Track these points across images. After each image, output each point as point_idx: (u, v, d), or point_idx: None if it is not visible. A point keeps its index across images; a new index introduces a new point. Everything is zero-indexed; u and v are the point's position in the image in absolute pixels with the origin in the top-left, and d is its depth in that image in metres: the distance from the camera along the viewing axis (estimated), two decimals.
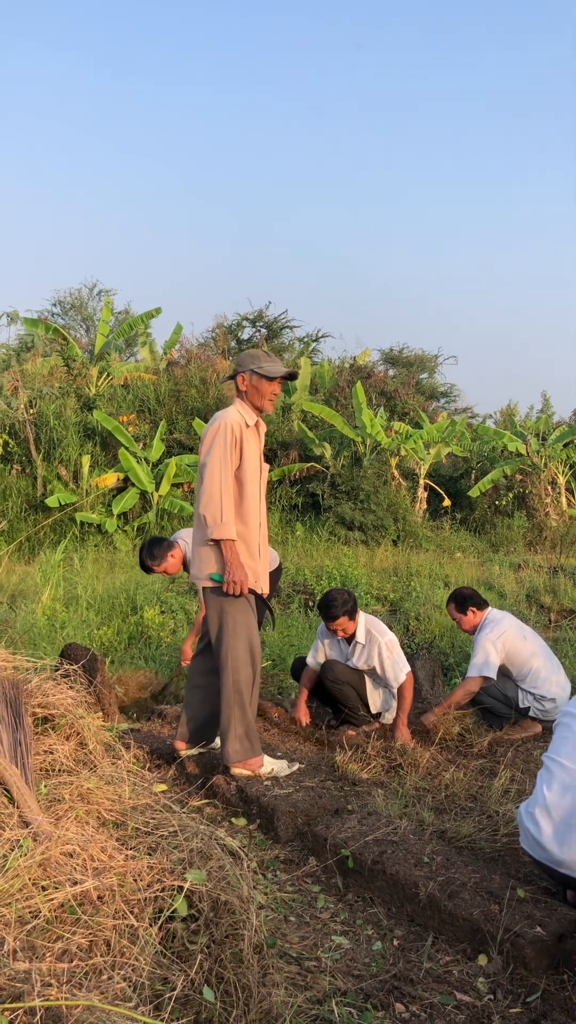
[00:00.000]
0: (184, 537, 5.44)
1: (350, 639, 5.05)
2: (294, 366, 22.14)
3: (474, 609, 5.19)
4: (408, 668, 4.96)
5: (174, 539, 5.54)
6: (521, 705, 5.06)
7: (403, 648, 5.18)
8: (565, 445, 19.24)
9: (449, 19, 79.86)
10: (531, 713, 5.07)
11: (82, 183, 73.99)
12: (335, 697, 5.11)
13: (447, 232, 72.87)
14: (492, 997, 2.58)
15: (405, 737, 4.78)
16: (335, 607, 4.89)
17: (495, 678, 4.95)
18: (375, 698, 5.12)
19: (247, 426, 4.23)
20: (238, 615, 4.15)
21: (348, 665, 5.06)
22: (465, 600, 5.22)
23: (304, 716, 5.21)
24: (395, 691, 4.98)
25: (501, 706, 5.09)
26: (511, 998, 2.58)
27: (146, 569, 5.44)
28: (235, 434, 4.15)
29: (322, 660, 5.15)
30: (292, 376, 4.34)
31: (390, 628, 5.19)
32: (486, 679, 4.93)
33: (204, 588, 4.22)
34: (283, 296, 75.11)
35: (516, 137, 79.69)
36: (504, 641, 4.99)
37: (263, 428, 4.40)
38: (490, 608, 5.26)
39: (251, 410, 4.29)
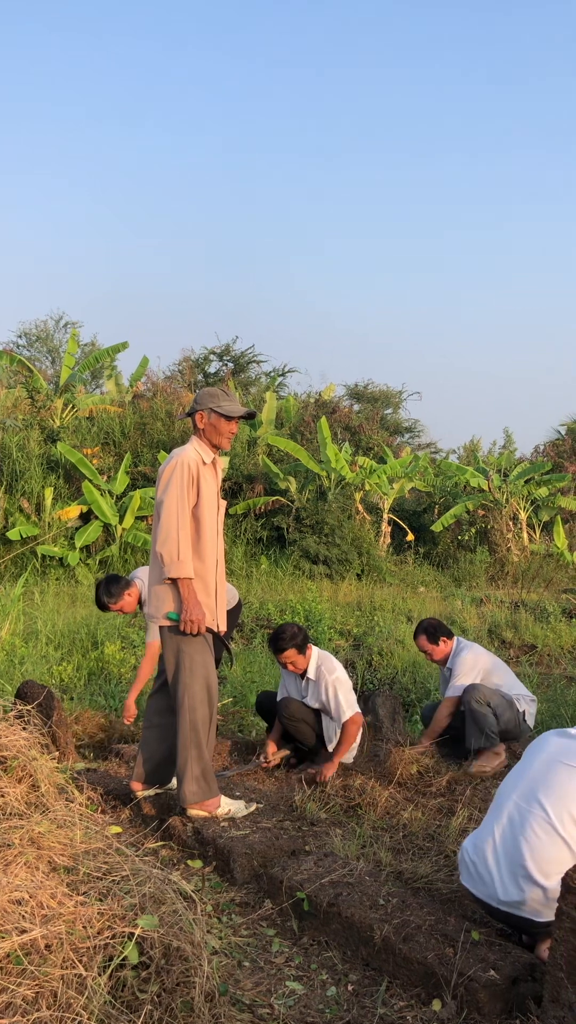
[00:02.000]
0: (141, 576, 5.41)
1: (303, 675, 5.04)
2: (260, 400, 22.26)
3: (444, 639, 5.38)
4: (356, 710, 4.94)
5: (131, 577, 5.51)
6: (520, 708, 5.21)
7: (365, 684, 5.18)
8: (527, 481, 19.52)
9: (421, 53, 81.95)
10: (525, 718, 5.22)
11: (49, 214, 74.30)
12: (291, 735, 5.09)
13: (412, 269, 74.13)
14: None
15: (327, 773, 4.74)
16: (283, 640, 4.90)
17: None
18: (332, 736, 5.10)
19: (204, 463, 4.24)
20: (195, 655, 4.13)
21: (303, 702, 5.05)
22: (436, 631, 5.39)
23: (271, 748, 5.12)
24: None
25: (493, 723, 5.12)
26: None
27: (102, 607, 5.40)
28: (192, 472, 4.15)
29: (280, 699, 5.14)
30: (250, 416, 4.37)
31: (353, 664, 5.20)
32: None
33: (161, 627, 4.20)
34: (250, 331, 75.72)
35: (482, 173, 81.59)
36: (478, 661, 5.27)
37: (220, 465, 4.42)
38: (456, 637, 5.48)
39: (208, 448, 4.30)
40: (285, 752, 5.18)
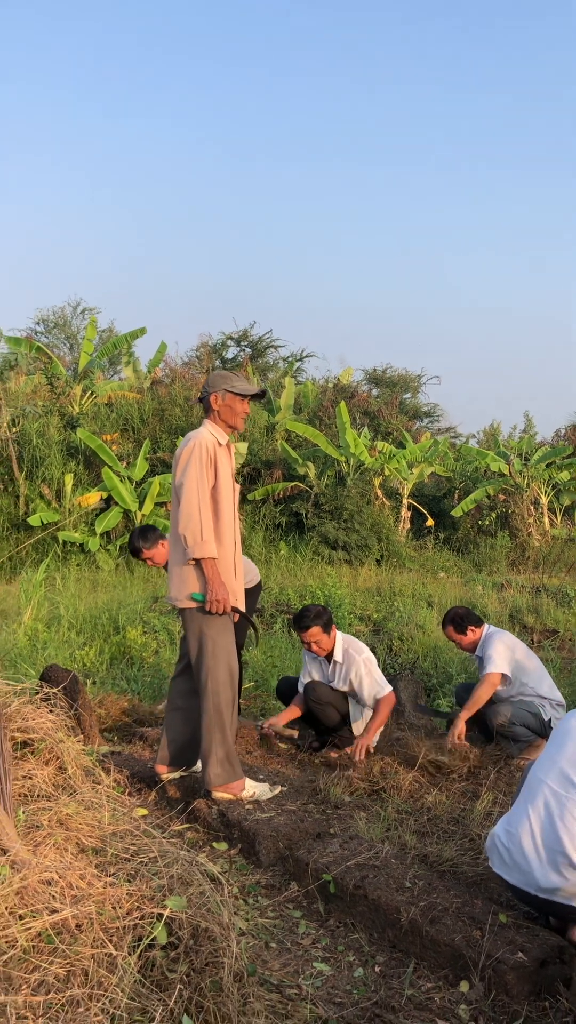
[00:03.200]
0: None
1: (329, 658, 5.04)
2: (278, 385, 22.21)
3: (472, 627, 5.32)
4: (389, 688, 4.96)
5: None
6: (545, 718, 5.13)
7: (386, 669, 5.18)
8: (548, 465, 19.38)
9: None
10: (551, 725, 5.14)
11: (67, 200, 74.28)
12: (318, 718, 5.09)
13: (431, 252, 73.53)
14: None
15: (365, 742, 4.76)
16: (307, 618, 4.91)
17: (511, 675, 5.11)
18: (359, 719, 5.10)
19: (220, 445, 4.26)
20: (218, 637, 4.14)
21: (331, 687, 5.05)
22: (463, 620, 5.33)
23: (274, 724, 5.17)
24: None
25: (527, 732, 5.10)
26: None
27: (135, 552, 5.41)
28: (209, 453, 4.17)
29: (306, 682, 5.14)
30: (262, 394, 4.42)
31: (373, 648, 5.19)
32: (504, 676, 5.09)
33: (183, 609, 4.20)
34: (268, 316, 75.42)
35: (505, 155, 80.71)
36: (513, 646, 5.21)
37: (233, 448, 4.44)
38: (486, 624, 5.40)
39: (222, 429, 4.33)
40: (292, 732, 5.20)
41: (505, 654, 5.15)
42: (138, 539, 5.38)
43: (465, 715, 5.12)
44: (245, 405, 4.34)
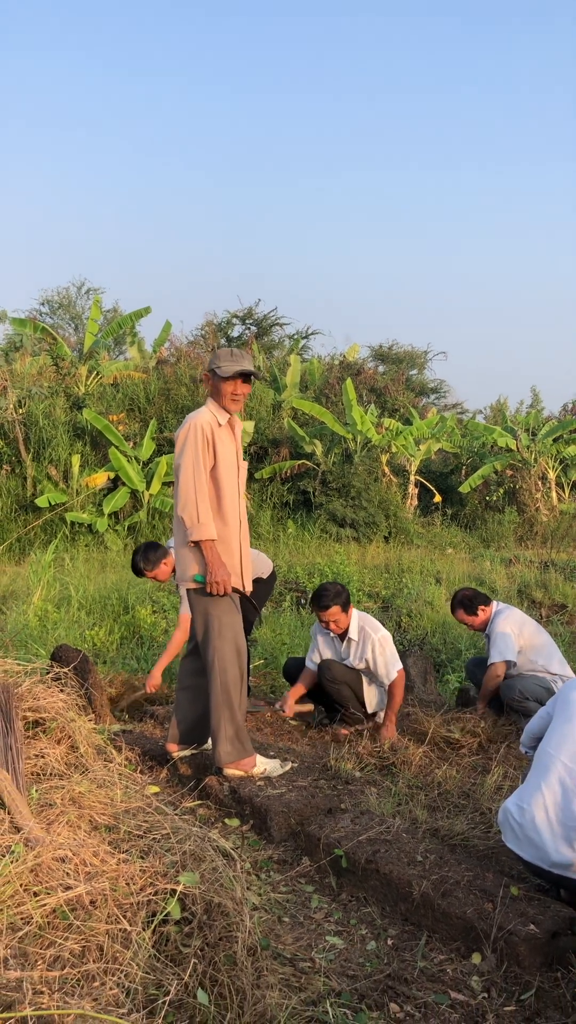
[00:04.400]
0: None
1: (343, 636, 5.04)
2: (284, 363, 22.11)
3: (482, 607, 5.34)
4: (400, 665, 4.97)
5: (168, 546, 5.52)
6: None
7: (395, 645, 5.18)
8: (555, 440, 19.30)
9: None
10: None
11: (70, 181, 73.77)
12: (332, 697, 5.09)
13: (436, 228, 72.89)
14: (486, 995, 2.58)
15: (391, 735, 4.78)
16: (327, 597, 4.90)
17: (516, 661, 5.14)
18: (371, 697, 5.11)
19: (219, 425, 4.20)
20: (223, 616, 4.14)
21: (345, 664, 5.05)
22: (472, 601, 5.35)
23: (289, 710, 5.19)
24: (387, 688, 4.98)
25: (539, 707, 5.11)
26: (505, 996, 2.58)
27: (137, 572, 5.43)
28: (206, 434, 4.11)
29: (318, 660, 5.14)
30: (246, 374, 4.19)
31: (382, 624, 5.19)
32: (509, 663, 5.13)
33: (188, 590, 4.20)
34: (273, 293, 75.11)
35: (513, 130, 79.73)
36: (520, 624, 5.25)
37: (238, 425, 4.35)
38: (495, 601, 5.42)
39: (222, 409, 4.26)
40: (307, 707, 5.22)
41: (508, 638, 5.17)
42: (141, 560, 5.39)
43: (482, 708, 5.21)
44: (232, 385, 4.17)
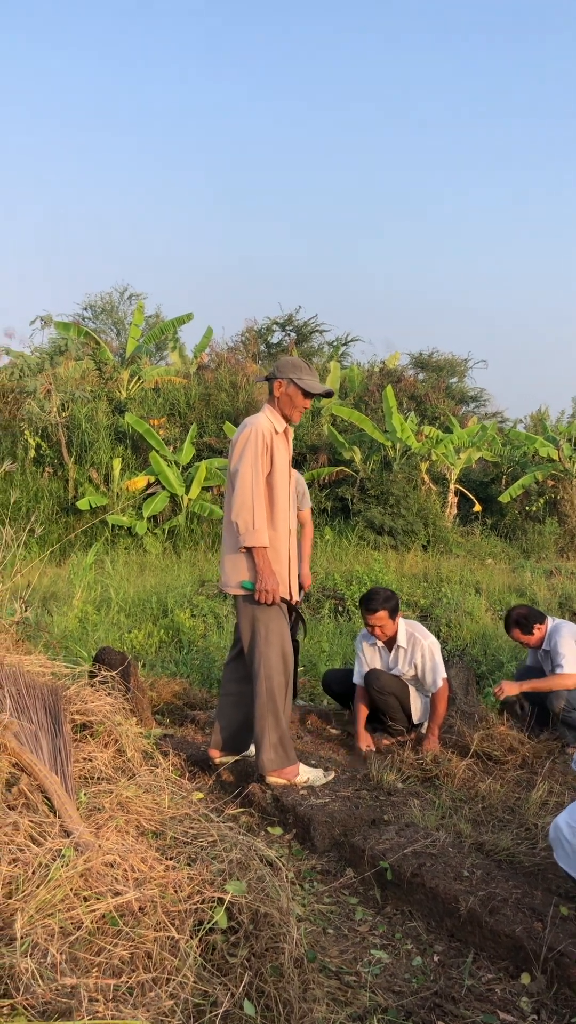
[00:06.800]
0: None
1: (390, 645, 4.99)
2: (324, 370, 22.10)
3: (538, 625, 5.26)
4: (445, 674, 4.92)
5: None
6: None
7: None
8: None
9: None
10: None
11: (114, 187, 74.57)
12: (378, 707, 5.02)
13: (478, 236, 72.44)
14: (536, 1017, 2.53)
15: (435, 747, 4.71)
16: (376, 600, 4.82)
17: None
18: (417, 707, 5.05)
19: (276, 432, 4.21)
20: (271, 622, 4.13)
21: (392, 674, 4.99)
22: (527, 619, 5.27)
23: (366, 742, 4.86)
24: (431, 699, 4.92)
25: None
26: (555, 1018, 2.53)
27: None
28: (266, 440, 4.12)
29: (366, 671, 5.05)
30: (328, 395, 4.32)
31: None
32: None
33: (235, 596, 4.19)
34: (313, 300, 75.11)
35: (550, 136, 79.04)
36: None
37: (291, 434, 4.38)
38: (549, 617, 5.33)
39: (280, 417, 4.27)
40: (390, 740, 5.02)
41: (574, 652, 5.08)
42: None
43: (526, 687, 5.09)
44: (307, 401, 4.26)
